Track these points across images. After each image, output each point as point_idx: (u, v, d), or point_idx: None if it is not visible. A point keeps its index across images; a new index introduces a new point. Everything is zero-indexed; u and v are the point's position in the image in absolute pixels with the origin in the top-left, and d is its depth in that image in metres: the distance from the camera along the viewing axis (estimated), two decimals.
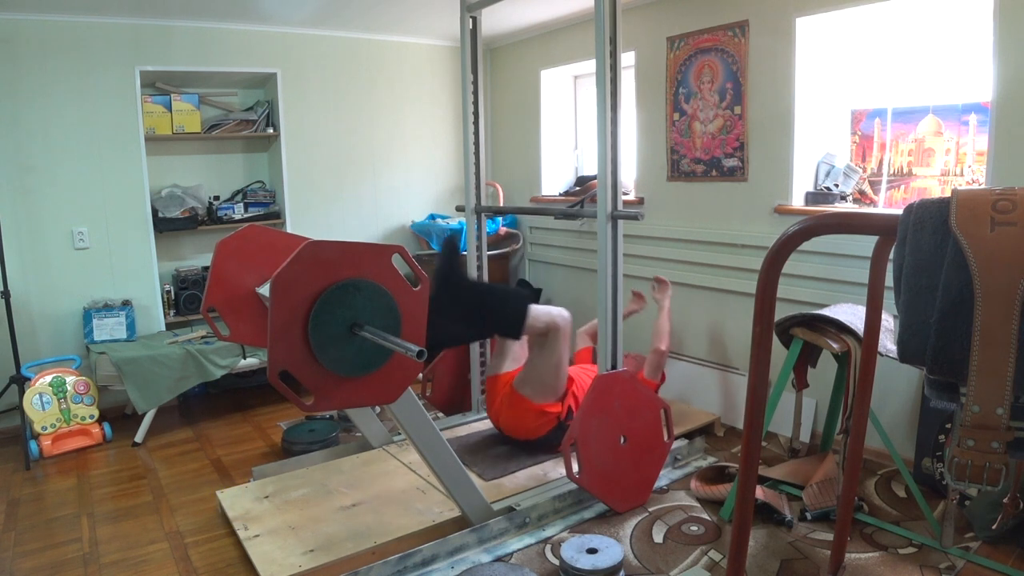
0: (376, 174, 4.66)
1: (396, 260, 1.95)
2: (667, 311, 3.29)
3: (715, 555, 2.33)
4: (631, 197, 4.02)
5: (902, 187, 3.07)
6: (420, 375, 3.06)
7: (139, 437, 3.45)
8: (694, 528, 2.51)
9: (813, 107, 3.17)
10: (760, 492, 2.53)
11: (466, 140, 3.31)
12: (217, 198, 4.15)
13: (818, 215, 1.29)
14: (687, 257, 3.69)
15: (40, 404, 3.34)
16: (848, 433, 2.04)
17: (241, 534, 2.40)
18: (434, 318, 2.13)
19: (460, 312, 2.64)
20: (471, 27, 3.24)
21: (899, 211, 1.18)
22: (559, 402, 2.86)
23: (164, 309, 3.99)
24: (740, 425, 3.33)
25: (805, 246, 1.36)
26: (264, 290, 2.45)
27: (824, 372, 2.84)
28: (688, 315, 3.77)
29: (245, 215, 4.16)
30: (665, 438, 2.68)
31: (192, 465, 3.21)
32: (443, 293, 2.61)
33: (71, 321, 3.74)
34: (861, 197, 3.19)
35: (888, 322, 2.50)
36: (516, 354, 3.00)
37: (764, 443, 3.18)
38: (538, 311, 2.71)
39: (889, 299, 2.38)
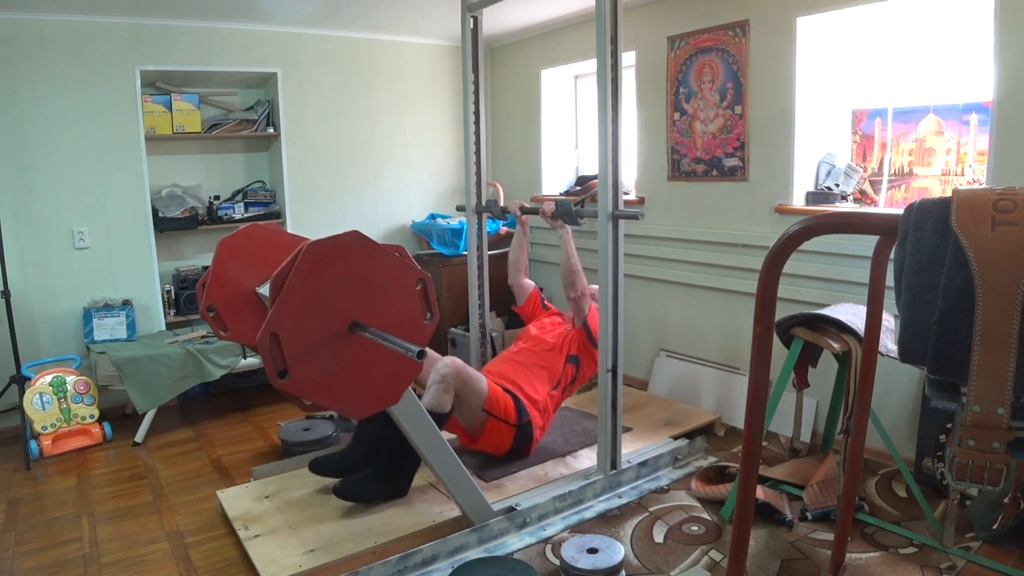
0: (376, 174, 4.65)
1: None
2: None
3: (716, 555, 2.33)
4: (632, 197, 4.01)
5: (903, 187, 3.06)
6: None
7: (139, 437, 3.45)
8: (695, 528, 2.51)
9: (814, 107, 3.17)
10: (761, 492, 2.52)
11: (467, 140, 3.31)
12: (217, 198, 4.15)
13: (819, 215, 1.29)
14: (688, 257, 3.69)
15: (40, 404, 3.34)
16: (849, 433, 2.03)
17: (241, 534, 2.40)
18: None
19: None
20: (472, 27, 3.24)
21: (900, 211, 1.18)
22: (489, 419, 2.72)
23: (164, 309, 3.99)
24: (741, 425, 3.33)
25: (806, 246, 1.36)
26: (264, 290, 2.44)
27: (825, 372, 2.83)
28: (689, 315, 3.77)
29: (245, 215, 4.16)
30: (427, 318, 2.05)
31: (192, 465, 3.21)
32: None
33: (71, 321, 3.74)
34: (862, 197, 3.19)
35: (889, 322, 2.49)
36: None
37: (765, 443, 3.18)
38: (432, 400, 2.53)
39: (890, 299, 2.38)
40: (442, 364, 2.60)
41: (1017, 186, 1.08)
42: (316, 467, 2.62)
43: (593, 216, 2.71)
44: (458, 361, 2.64)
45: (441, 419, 2.54)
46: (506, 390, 2.80)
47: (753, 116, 3.30)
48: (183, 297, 3.98)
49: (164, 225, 3.90)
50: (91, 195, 3.72)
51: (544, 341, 3.02)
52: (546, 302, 3.38)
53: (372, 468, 2.56)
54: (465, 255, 3.79)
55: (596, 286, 3.01)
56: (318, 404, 1.87)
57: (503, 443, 2.79)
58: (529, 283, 3.37)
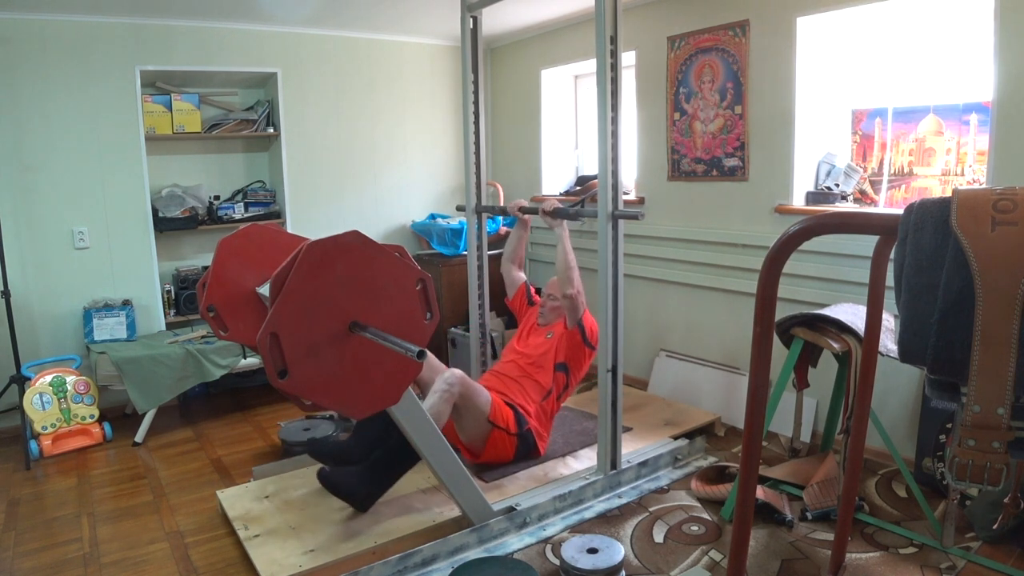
0: (376, 174, 4.66)
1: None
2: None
3: (716, 555, 2.33)
4: (631, 197, 4.01)
5: (903, 187, 3.06)
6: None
7: (139, 437, 3.45)
8: (695, 528, 2.51)
9: (814, 107, 3.17)
10: (761, 492, 2.52)
11: (466, 140, 3.30)
12: (217, 198, 4.15)
13: (819, 215, 1.29)
14: (688, 257, 3.69)
15: (40, 404, 3.34)
16: (849, 433, 2.03)
17: (241, 534, 2.40)
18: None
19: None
20: (471, 27, 3.24)
21: (900, 211, 1.18)
22: (494, 430, 2.72)
23: (164, 309, 3.99)
24: (741, 425, 3.33)
25: (806, 246, 1.36)
26: (264, 290, 2.44)
27: (825, 372, 2.84)
28: (689, 315, 3.77)
29: (245, 215, 4.16)
30: (427, 318, 2.04)
31: (192, 465, 3.21)
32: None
33: (71, 321, 3.74)
34: (862, 197, 3.19)
35: (889, 322, 2.49)
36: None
37: (765, 443, 3.18)
38: (434, 409, 2.50)
39: (890, 299, 2.38)
40: (449, 373, 2.60)
41: (1017, 186, 1.08)
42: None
43: (593, 216, 2.71)
44: (462, 373, 2.64)
45: None
46: (504, 401, 2.81)
47: (753, 116, 3.30)
48: (183, 297, 3.98)
49: (164, 225, 3.90)
50: (91, 195, 3.72)
51: (528, 356, 3.02)
52: (533, 297, 3.35)
53: (361, 467, 2.53)
54: (465, 255, 3.79)
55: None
56: (318, 404, 1.87)
57: (506, 453, 2.79)
58: (520, 276, 3.36)
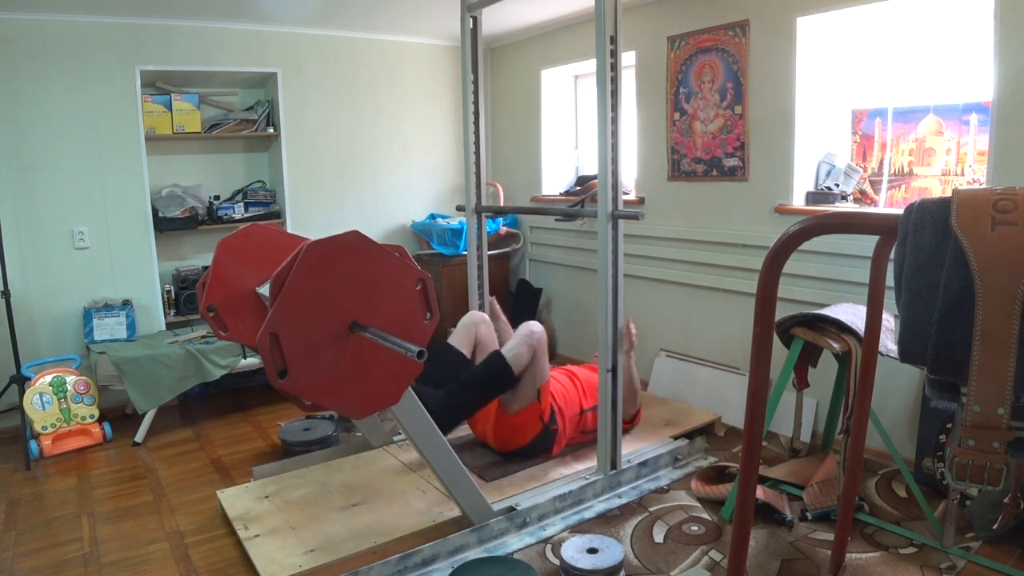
0: (376, 174, 4.66)
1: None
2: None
3: (716, 555, 2.33)
4: (631, 197, 4.01)
5: (903, 187, 3.06)
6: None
7: (139, 437, 3.45)
8: (695, 528, 2.51)
9: (814, 107, 3.17)
10: (761, 492, 2.52)
11: (466, 140, 3.30)
12: (217, 198, 4.15)
13: (819, 215, 1.29)
14: (688, 257, 3.69)
15: (40, 404, 3.34)
16: (849, 433, 2.03)
17: (241, 534, 2.40)
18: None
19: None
20: (471, 27, 3.24)
21: (900, 211, 1.18)
22: (535, 403, 2.79)
23: (164, 309, 3.99)
24: (741, 425, 3.33)
25: (806, 246, 1.36)
26: (264, 290, 2.44)
27: (825, 372, 2.84)
28: (689, 315, 3.77)
29: (245, 215, 4.16)
30: (427, 318, 2.07)
31: (192, 465, 3.21)
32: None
33: (71, 321, 3.74)
34: (862, 197, 3.19)
35: (889, 322, 2.49)
36: None
37: (765, 443, 3.18)
38: (515, 349, 2.71)
39: (890, 299, 2.38)
40: (535, 324, 2.78)
41: (1017, 186, 1.08)
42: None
43: (593, 216, 2.71)
44: (544, 331, 2.80)
45: (508, 380, 2.68)
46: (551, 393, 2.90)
47: (753, 116, 3.30)
48: (183, 297, 3.98)
49: (164, 225, 3.90)
50: (91, 195, 3.71)
51: (582, 380, 3.11)
52: None
53: (445, 390, 2.66)
54: (465, 255, 3.79)
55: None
56: (318, 404, 1.87)
57: (526, 435, 2.82)
58: None
